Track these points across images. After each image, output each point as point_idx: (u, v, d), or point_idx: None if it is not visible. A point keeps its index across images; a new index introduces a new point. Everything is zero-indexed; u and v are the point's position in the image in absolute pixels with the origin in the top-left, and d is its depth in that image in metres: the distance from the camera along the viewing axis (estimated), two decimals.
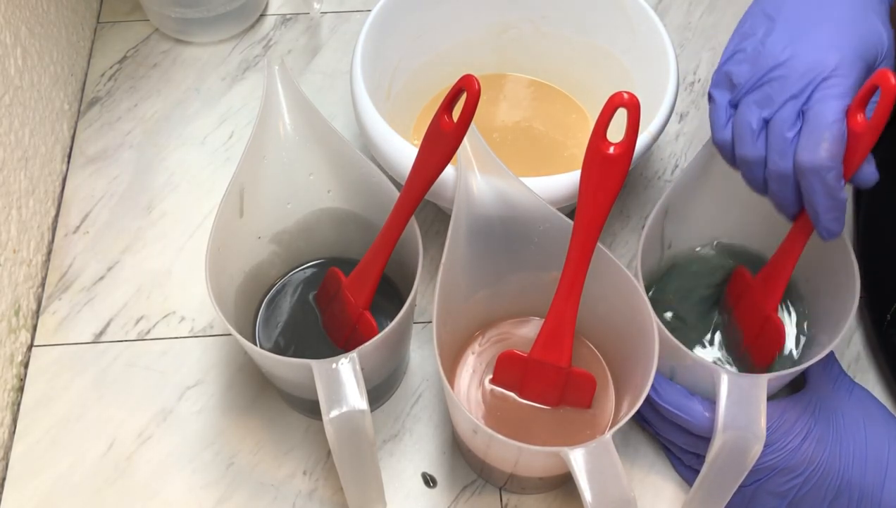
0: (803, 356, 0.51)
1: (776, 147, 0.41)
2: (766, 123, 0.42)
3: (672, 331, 0.45)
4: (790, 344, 0.52)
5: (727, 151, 0.44)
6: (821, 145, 0.39)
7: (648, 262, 0.53)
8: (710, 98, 0.45)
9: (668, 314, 0.53)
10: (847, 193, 0.61)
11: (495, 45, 0.64)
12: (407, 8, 0.58)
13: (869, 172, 0.40)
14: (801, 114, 0.40)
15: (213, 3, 0.66)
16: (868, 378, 0.55)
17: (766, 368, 0.50)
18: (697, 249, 0.55)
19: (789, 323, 0.53)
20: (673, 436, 0.50)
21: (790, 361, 0.51)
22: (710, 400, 0.46)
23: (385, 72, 0.58)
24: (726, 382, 0.43)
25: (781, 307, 0.53)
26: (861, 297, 0.46)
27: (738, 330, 0.52)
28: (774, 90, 0.41)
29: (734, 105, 0.43)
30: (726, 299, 0.53)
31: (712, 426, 0.43)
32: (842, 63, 0.40)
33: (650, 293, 0.54)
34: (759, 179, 0.43)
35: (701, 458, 0.45)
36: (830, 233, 0.41)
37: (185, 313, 0.57)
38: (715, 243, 0.55)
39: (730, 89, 0.43)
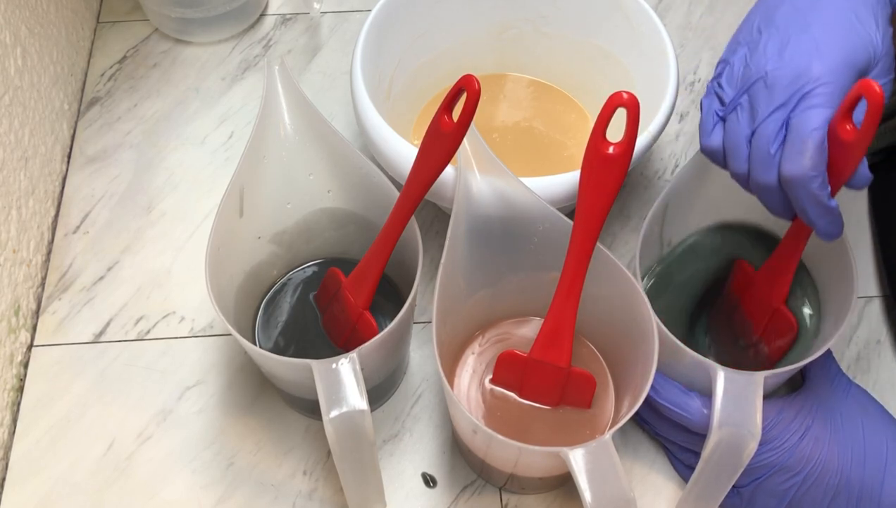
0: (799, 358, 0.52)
1: (759, 161, 0.41)
2: (753, 136, 0.41)
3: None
4: (809, 333, 0.51)
5: (715, 157, 0.44)
6: (803, 155, 0.38)
7: (647, 260, 0.53)
8: (700, 106, 0.45)
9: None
10: (860, 192, 0.62)
11: (495, 45, 0.64)
12: (407, 8, 0.58)
13: (862, 176, 0.40)
14: (786, 125, 0.40)
15: (213, 3, 0.66)
16: (879, 378, 0.55)
17: (779, 360, 0.50)
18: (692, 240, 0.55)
19: (807, 310, 0.52)
20: (671, 434, 0.50)
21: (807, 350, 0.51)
22: (709, 397, 0.46)
23: (385, 72, 0.58)
24: (722, 379, 0.43)
25: (797, 297, 0.52)
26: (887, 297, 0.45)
27: (747, 322, 0.52)
28: (760, 102, 0.41)
29: (722, 116, 0.43)
30: (731, 292, 0.53)
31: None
32: (826, 71, 0.39)
33: (648, 285, 0.54)
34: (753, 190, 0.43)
35: (699, 456, 0.45)
36: (829, 236, 0.41)
37: (185, 313, 0.57)
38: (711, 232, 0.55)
39: (718, 99, 0.43)
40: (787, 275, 0.48)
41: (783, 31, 0.42)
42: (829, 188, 0.39)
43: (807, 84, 0.39)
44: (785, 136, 0.40)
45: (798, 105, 0.39)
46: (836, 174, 0.39)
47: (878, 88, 0.36)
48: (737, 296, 0.52)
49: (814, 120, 0.38)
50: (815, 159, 0.38)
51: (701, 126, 0.44)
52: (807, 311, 0.52)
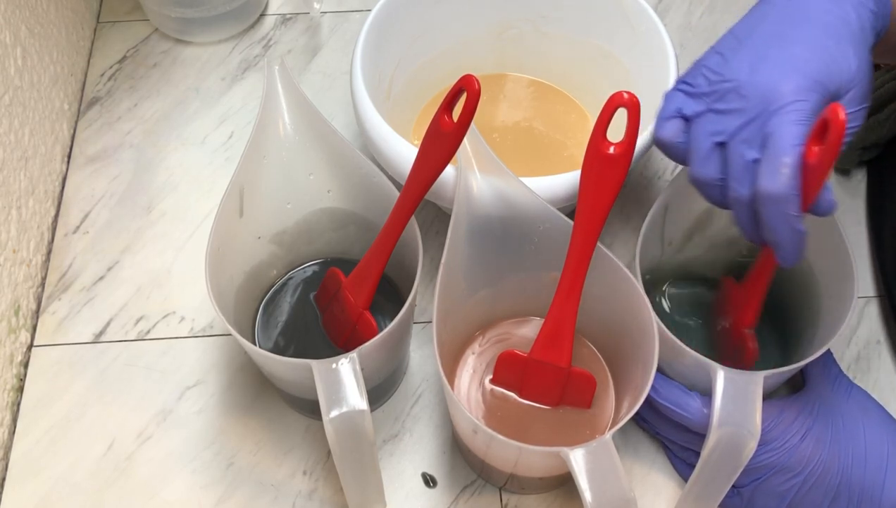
0: (790, 356, 0.52)
1: (735, 174, 0.40)
2: (720, 145, 0.41)
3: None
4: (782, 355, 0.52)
5: (668, 151, 0.44)
6: (781, 172, 0.38)
7: (648, 260, 0.53)
8: (664, 97, 0.45)
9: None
10: (854, 189, 0.62)
11: (495, 45, 0.64)
12: (407, 8, 0.58)
13: (827, 201, 0.40)
14: (760, 140, 0.39)
15: (213, 3, 0.66)
16: (879, 378, 0.55)
17: None
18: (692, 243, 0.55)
19: (771, 342, 0.53)
20: (671, 434, 0.50)
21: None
22: (709, 397, 0.46)
23: (385, 72, 0.58)
24: (722, 378, 0.43)
25: (779, 311, 0.53)
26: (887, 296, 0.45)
27: (716, 341, 0.52)
28: (731, 112, 0.41)
29: (684, 115, 0.43)
30: (712, 307, 0.53)
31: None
32: (799, 89, 0.39)
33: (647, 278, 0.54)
34: (715, 199, 0.43)
35: (700, 456, 0.45)
36: (789, 261, 0.40)
37: (185, 313, 0.57)
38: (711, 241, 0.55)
39: (684, 96, 0.43)
40: (755, 301, 0.48)
41: (762, 45, 0.42)
42: (802, 211, 0.39)
43: (781, 99, 0.39)
44: (760, 150, 0.39)
45: (772, 119, 0.39)
46: (802, 197, 0.39)
47: (842, 115, 0.36)
48: (716, 315, 0.53)
49: (794, 136, 0.38)
50: (794, 177, 0.38)
51: (658, 116, 0.44)
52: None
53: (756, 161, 0.39)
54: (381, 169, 0.49)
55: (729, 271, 0.53)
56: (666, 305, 0.55)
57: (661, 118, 0.44)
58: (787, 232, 0.39)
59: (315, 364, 0.42)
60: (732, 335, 0.50)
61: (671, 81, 0.53)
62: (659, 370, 0.47)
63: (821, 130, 0.38)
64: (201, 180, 0.62)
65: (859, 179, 0.63)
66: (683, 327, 0.54)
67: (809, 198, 0.39)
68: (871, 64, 0.42)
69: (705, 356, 0.45)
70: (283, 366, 0.46)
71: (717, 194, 0.42)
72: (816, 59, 0.40)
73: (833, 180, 0.63)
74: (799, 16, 0.42)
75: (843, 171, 0.63)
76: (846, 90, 0.41)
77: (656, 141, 0.44)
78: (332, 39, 0.70)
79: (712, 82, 0.42)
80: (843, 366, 0.54)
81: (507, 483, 0.50)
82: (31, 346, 0.55)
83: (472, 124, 0.44)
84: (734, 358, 0.50)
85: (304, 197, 0.52)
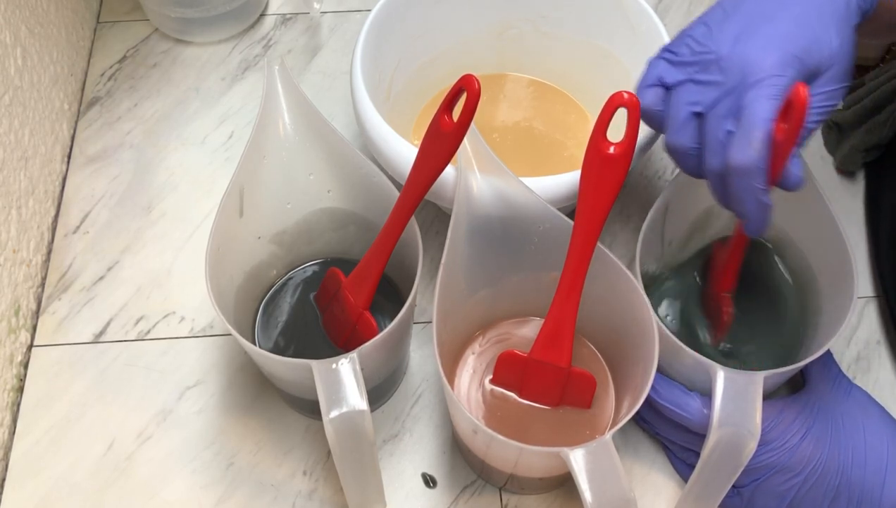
0: (790, 356, 0.52)
1: (710, 146, 0.41)
2: (697, 115, 0.42)
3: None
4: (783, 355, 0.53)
5: (646, 117, 0.44)
6: (751, 145, 0.39)
7: (649, 260, 0.53)
8: (647, 63, 0.45)
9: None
10: (856, 190, 0.62)
11: (495, 45, 0.64)
12: (407, 8, 0.58)
13: (794, 176, 0.41)
14: (735, 112, 0.40)
15: (213, 3, 0.66)
16: (879, 378, 0.55)
17: (720, 342, 0.52)
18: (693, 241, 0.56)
19: (771, 342, 0.53)
20: (671, 434, 0.50)
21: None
22: (709, 397, 0.46)
23: (385, 72, 0.58)
24: (722, 378, 0.43)
25: (781, 310, 0.53)
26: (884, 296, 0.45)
27: (703, 303, 0.54)
28: (710, 83, 0.41)
29: (665, 83, 0.44)
30: (706, 268, 0.55)
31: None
32: (777, 64, 0.40)
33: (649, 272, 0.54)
34: (689, 168, 0.44)
35: (700, 456, 0.45)
36: (755, 232, 0.42)
37: (185, 313, 0.57)
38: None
39: (666, 64, 0.44)
40: (730, 267, 0.50)
41: (747, 19, 0.42)
42: (769, 185, 0.40)
43: (758, 73, 0.40)
44: (735, 122, 0.40)
45: (748, 92, 0.40)
46: (769, 172, 0.40)
47: (804, 95, 0.37)
48: (705, 277, 0.54)
49: (764, 110, 0.39)
50: (762, 151, 0.39)
51: (639, 83, 0.45)
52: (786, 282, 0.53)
53: (730, 133, 0.40)
54: (381, 169, 0.49)
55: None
56: (666, 304, 0.55)
57: (642, 85, 0.45)
58: (752, 203, 0.41)
59: (315, 364, 0.42)
60: (712, 297, 0.52)
61: None
62: (659, 369, 0.47)
63: (787, 107, 0.39)
64: (201, 180, 0.62)
65: (858, 181, 0.63)
66: (682, 326, 0.54)
67: (776, 172, 0.40)
68: (853, 43, 0.42)
69: (706, 353, 0.45)
70: (283, 366, 0.46)
71: (691, 162, 0.43)
72: (798, 35, 0.41)
73: (836, 182, 0.63)
74: None
75: (848, 173, 0.63)
76: (825, 68, 0.41)
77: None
78: (332, 39, 0.70)
79: (695, 52, 0.43)
80: (843, 366, 0.54)
81: (507, 483, 0.50)
82: (31, 346, 0.55)
83: (472, 124, 0.44)
84: (713, 320, 0.52)
85: (304, 197, 0.52)
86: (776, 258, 0.55)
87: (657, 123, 0.45)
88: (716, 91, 0.41)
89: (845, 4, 0.42)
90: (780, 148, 0.39)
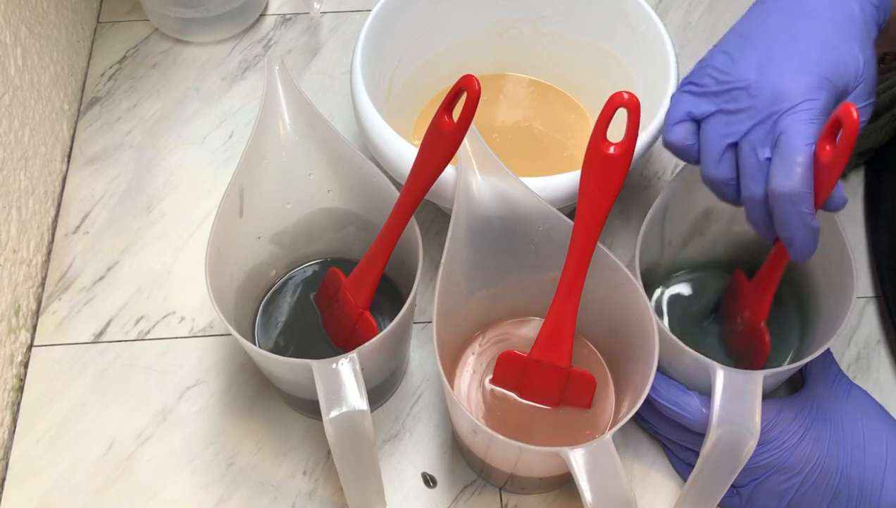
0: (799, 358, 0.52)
1: (748, 172, 0.40)
2: (732, 145, 0.41)
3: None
4: (784, 355, 0.52)
5: (680, 153, 0.44)
6: (794, 171, 0.38)
7: (648, 260, 0.53)
8: (671, 99, 0.45)
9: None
10: (855, 190, 0.62)
11: (495, 45, 0.64)
12: (407, 8, 0.58)
13: (839, 198, 0.40)
14: (772, 139, 0.40)
15: (213, 3, 0.66)
16: (879, 378, 0.55)
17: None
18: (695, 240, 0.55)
19: (788, 331, 0.52)
20: (671, 433, 0.50)
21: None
22: (708, 397, 0.46)
23: (385, 72, 0.58)
24: (722, 377, 0.43)
25: (782, 311, 0.53)
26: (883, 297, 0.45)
27: (729, 335, 0.52)
28: (741, 112, 0.41)
29: (693, 117, 0.43)
30: (724, 301, 0.53)
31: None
32: (809, 88, 0.39)
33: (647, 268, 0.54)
34: (728, 198, 0.43)
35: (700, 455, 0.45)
36: (803, 257, 0.41)
37: (185, 313, 0.57)
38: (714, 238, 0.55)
39: (692, 97, 0.43)
40: (767, 295, 0.48)
41: (769, 44, 0.42)
42: (815, 209, 0.39)
43: (792, 98, 0.39)
44: (772, 150, 0.39)
45: (782, 119, 0.39)
46: (815, 195, 0.39)
47: (855, 115, 0.36)
48: (727, 309, 0.53)
49: (806, 135, 0.38)
50: (807, 176, 0.38)
51: (667, 119, 0.44)
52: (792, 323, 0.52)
53: (768, 160, 0.40)
54: (381, 169, 0.49)
55: (730, 269, 0.53)
56: (665, 304, 0.55)
57: (671, 122, 0.44)
58: (800, 229, 0.40)
59: (315, 364, 0.42)
60: (746, 329, 0.50)
61: (671, 81, 0.53)
62: (659, 369, 0.47)
63: (833, 128, 0.38)
64: (201, 180, 0.62)
65: (857, 181, 0.63)
66: (683, 325, 0.54)
67: (822, 196, 0.39)
68: (874, 58, 0.42)
69: (707, 353, 0.45)
70: (283, 366, 0.46)
71: (730, 192, 0.42)
72: (824, 56, 0.40)
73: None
74: (802, 12, 0.42)
75: (841, 175, 0.63)
76: (854, 86, 0.41)
77: (666, 144, 0.44)
78: (332, 39, 0.70)
79: (720, 82, 0.42)
80: (843, 366, 0.54)
81: (507, 483, 0.50)
82: (31, 346, 0.55)
83: (472, 124, 0.44)
84: (748, 353, 0.50)
85: (304, 197, 0.52)
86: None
87: (692, 158, 0.44)
88: (748, 120, 0.40)
89: (863, 21, 0.42)
90: (828, 170, 0.38)
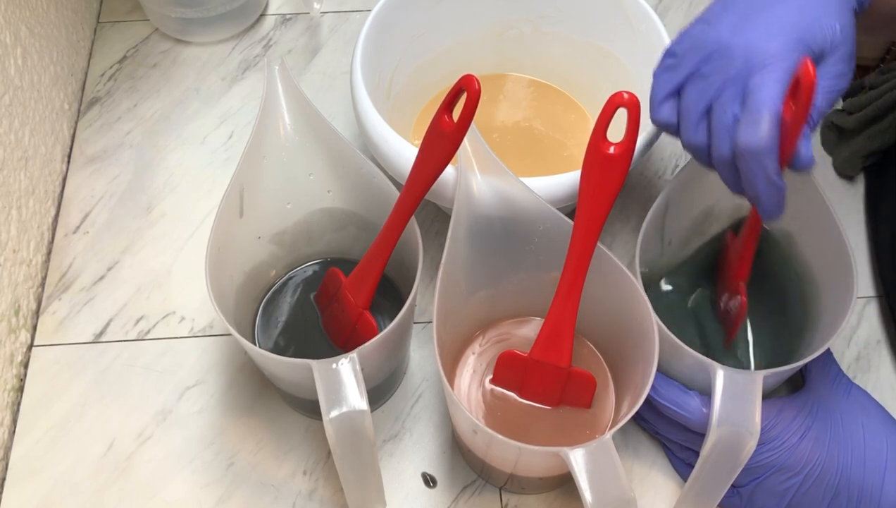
0: (790, 355, 0.52)
1: (717, 133, 0.41)
2: (708, 109, 0.42)
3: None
4: (784, 355, 0.52)
5: (667, 128, 0.45)
6: (759, 126, 0.39)
7: (648, 259, 0.53)
8: (654, 77, 0.45)
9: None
10: (856, 190, 0.62)
11: (495, 45, 0.64)
12: (407, 8, 0.58)
13: (805, 156, 0.40)
14: (741, 98, 0.40)
15: (213, 3, 0.66)
16: (879, 378, 0.55)
17: (732, 340, 0.52)
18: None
19: (788, 331, 0.53)
20: (671, 433, 0.50)
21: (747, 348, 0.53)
22: (708, 396, 0.46)
23: (385, 72, 0.58)
24: (722, 377, 0.43)
25: (782, 311, 0.53)
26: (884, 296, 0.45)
27: (717, 298, 0.54)
28: (716, 73, 0.41)
29: (676, 86, 0.43)
30: (716, 265, 0.54)
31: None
32: (783, 48, 0.40)
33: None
34: (704, 161, 0.43)
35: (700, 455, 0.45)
36: (771, 214, 0.41)
37: (185, 313, 0.57)
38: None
39: (671, 73, 0.44)
40: (745, 255, 0.49)
41: (744, 9, 0.42)
42: (781, 166, 0.40)
43: (763, 58, 0.40)
44: (741, 109, 0.40)
45: (753, 77, 0.40)
46: (780, 153, 0.40)
47: (811, 70, 0.37)
48: (718, 269, 0.54)
49: (773, 92, 0.39)
50: (771, 131, 0.39)
51: (651, 97, 0.45)
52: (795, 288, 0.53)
53: (737, 118, 0.40)
54: (381, 169, 0.49)
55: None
56: (665, 303, 0.55)
57: (654, 102, 0.45)
58: (765, 186, 0.40)
59: (315, 364, 0.42)
60: (726, 287, 0.52)
61: None
62: (659, 369, 0.47)
63: (796, 86, 0.39)
64: (201, 180, 0.62)
65: (860, 181, 0.63)
66: (682, 324, 0.54)
67: (786, 153, 0.40)
68: (854, 28, 0.42)
69: (703, 349, 0.45)
70: (283, 366, 0.46)
71: (706, 156, 0.43)
72: (799, 19, 0.41)
73: (836, 182, 0.63)
74: None
75: (848, 177, 0.63)
76: (829, 51, 0.41)
77: (653, 121, 0.45)
78: (332, 39, 0.70)
79: (696, 45, 0.43)
80: (843, 366, 0.54)
81: (507, 483, 0.50)
82: (31, 346, 0.55)
83: (472, 124, 0.44)
84: (728, 318, 0.52)
85: (304, 197, 0.52)
86: (781, 255, 0.55)
87: (677, 130, 0.45)
88: (720, 79, 0.41)
89: None
90: (790, 128, 0.39)
